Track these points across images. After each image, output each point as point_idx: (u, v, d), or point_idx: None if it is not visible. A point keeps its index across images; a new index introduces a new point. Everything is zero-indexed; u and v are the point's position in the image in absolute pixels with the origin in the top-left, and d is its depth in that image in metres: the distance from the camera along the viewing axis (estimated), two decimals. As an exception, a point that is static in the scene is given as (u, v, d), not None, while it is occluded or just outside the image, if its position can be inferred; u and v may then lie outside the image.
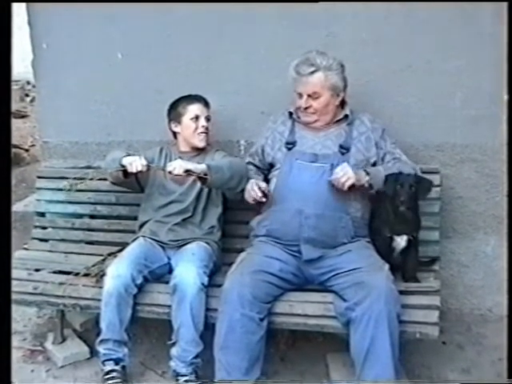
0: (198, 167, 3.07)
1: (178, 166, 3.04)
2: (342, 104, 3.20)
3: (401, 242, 3.02)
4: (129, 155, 3.23)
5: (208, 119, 3.40)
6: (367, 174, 2.98)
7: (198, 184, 3.28)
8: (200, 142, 3.40)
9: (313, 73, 3.04)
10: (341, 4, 3.41)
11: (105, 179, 3.49)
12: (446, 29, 3.34)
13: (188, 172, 3.04)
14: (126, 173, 3.22)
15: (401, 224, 2.99)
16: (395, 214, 2.97)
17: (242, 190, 3.17)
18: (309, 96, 3.08)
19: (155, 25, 3.72)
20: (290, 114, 3.24)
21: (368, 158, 3.10)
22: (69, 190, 3.69)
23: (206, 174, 3.05)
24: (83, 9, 3.77)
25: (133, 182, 3.39)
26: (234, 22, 3.60)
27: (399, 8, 3.36)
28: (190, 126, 3.38)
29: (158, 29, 3.72)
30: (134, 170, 3.14)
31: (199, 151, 3.43)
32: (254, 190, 3.04)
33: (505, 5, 3.05)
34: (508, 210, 3.27)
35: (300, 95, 3.11)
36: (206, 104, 3.41)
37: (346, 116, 3.16)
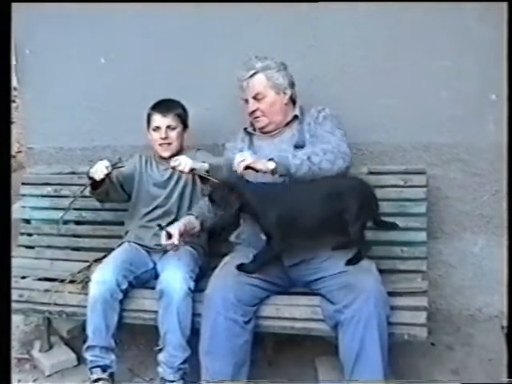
0: (204, 166, 2.95)
1: (183, 163, 2.90)
2: (294, 104, 3.19)
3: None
4: None
5: (173, 128, 3.34)
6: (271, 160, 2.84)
7: (181, 183, 3.31)
8: (162, 152, 3.37)
9: (253, 75, 3.08)
10: (326, 6, 3.40)
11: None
12: (432, 29, 3.34)
13: (192, 171, 2.93)
14: (96, 185, 3.19)
15: None
16: None
17: None
18: (254, 99, 3.09)
19: (140, 29, 3.71)
20: (245, 129, 3.24)
21: None
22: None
23: (208, 173, 2.93)
24: (66, 14, 3.76)
25: (118, 192, 3.38)
26: (219, 25, 3.58)
27: (384, 9, 3.36)
28: (152, 135, 3.38)
29: (142, 33, 3.71)
30: (102, 175, 3.09)
31: (178, 154, 3.31)
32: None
33: (505, 5, 3.02)
34: (508, 211, 3.25)
35: (246, 101, 3.13)
36: (168, 112, 3.34)
37: (296, 116, 3.14)
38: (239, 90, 3.15)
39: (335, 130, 3.02)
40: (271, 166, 2.77)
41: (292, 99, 3.17)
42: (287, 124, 3.15)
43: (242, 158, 2.77)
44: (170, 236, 2.96)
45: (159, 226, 3.07)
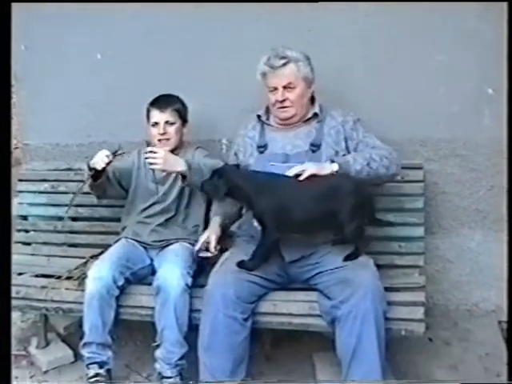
0: (178, 169, 3.06)
1: (160, 162, 3.00)
2: (312, 101, 3.17)
3: None
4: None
5: (171, 123, 3.33)
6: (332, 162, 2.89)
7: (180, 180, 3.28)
8: (162, 148, 3.33)
9: (285, 64, 3.03)
10: (326, 6, 3.39)
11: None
12: (429, 24, 3.34)
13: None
14: (97, 175, 3.20)
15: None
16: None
17: None
18: (284, 88, 3.04)
19: (138, 27, 3.69)
20: (259, 117, 3.22)
21: (337, 151, 3.03)
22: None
23: (184, 175, 3.05)
24: (64, 12, 3.74)
25: (115, 189, 3.39)
26: (215, 21, 3.57)
27: (384, 8, 3.35)
28: (151, 131, 3.37)
29: (140, 30, 3.69)
30: (103, 165, 3.10)
31: (177, 149, 3.37)
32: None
33: (505, 5, 3.02)
34: (508, 206, 3.24)
35: (275, 89, 3.07)
36: (166, 107, 3.33)
37: (316, 114, 3.12)
38: (263, 77, 3.09)
39: (371, 134, 3.06)
40: (335, 167, 2.83)
41: (312, 96, 3.16)
42: (306, 120, 3.13)
43: (302, 169, 2.80)
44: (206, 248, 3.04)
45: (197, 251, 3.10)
